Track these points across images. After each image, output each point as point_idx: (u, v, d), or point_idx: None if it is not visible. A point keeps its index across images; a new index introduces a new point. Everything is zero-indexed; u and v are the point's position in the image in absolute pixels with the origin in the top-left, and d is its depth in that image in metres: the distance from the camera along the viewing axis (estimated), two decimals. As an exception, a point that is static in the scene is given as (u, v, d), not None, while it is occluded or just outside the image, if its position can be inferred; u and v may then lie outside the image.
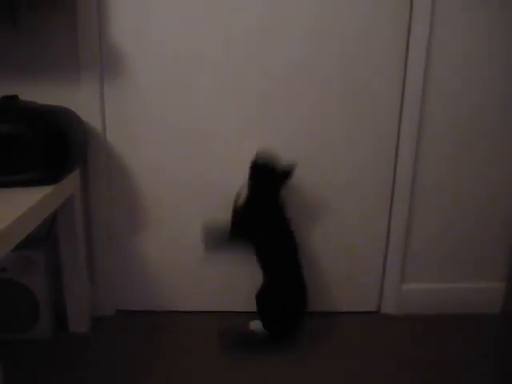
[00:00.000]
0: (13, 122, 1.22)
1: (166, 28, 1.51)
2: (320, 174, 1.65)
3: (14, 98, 1.35)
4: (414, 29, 1.53)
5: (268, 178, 1.49)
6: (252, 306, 1.53)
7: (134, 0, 1.48)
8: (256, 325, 1.58)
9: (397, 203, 1.68)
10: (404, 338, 1.64)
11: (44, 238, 1.61)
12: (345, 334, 1.64)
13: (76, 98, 1.53)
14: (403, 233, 1.71)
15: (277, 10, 1.51)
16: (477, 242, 1.76)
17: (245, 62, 1.55)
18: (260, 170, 1.49)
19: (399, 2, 1.52)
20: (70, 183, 1.43)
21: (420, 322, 1.74)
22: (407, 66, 1.56)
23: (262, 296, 1.52)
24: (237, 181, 1.60)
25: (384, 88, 1.59)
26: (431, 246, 1.75)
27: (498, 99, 1.62)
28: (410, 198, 1.68)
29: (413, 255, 1.75)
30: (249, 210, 1.51)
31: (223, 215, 1.62)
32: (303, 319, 1.60)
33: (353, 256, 1.74)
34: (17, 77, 1.52)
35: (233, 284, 1.72)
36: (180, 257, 1.71)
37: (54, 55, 1.51)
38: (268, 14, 1.51)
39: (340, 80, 1.57)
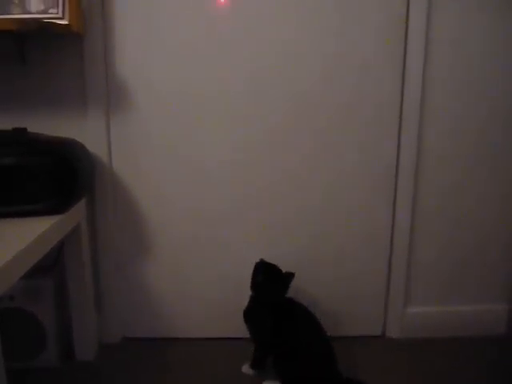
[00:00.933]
0: (22, 154, 1.26)
1: (170, 64, 1.56)
2: (321, 201, 1.68)
3: (23, 130, 1.39)
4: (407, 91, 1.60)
5: (272, 278, 1.51)
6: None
7: (139, 36, 1.54)
8: None
9: (398, 228, 1.70)
10: (409, 362, 1.64)
11: (51, 266, 1.63)
12: (350, 359, 1.64)
13: (83, 129, 1.58)
14: (406, 256, 1.72)
15: (275, 54, 1.57)
16: (479, 264, 1.77)
17: (244, 101, 1.60)
18: (267, 270, 1.53)
19: (393, 49, 1.58)
20: (77, 212, 1.46)
21: (425, 345, 1.73)
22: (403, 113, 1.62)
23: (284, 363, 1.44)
24: (235, 210, 1.67)
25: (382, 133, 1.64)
26: (434, 269, 1.76)
27: (500, 133, 1.67)
28: (411, 222, 1.70)
29: (416, 279, 1.76)
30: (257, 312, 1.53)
31: (224, 243, 1.66)
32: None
33: (356, 281, 1.75)
34: (26, 110, 1.57)
35: (237, 310, 1.73)
36: (184, 284, 1.73)
37: (62, 89, 1.56)
38: (267, 54, 1.57)
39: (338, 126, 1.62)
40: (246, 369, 1.55)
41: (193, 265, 1.72)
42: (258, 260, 1.56)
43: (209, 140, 1.63)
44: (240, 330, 1.71)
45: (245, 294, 1.62)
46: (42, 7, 1.45)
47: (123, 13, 1.53)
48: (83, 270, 1.56)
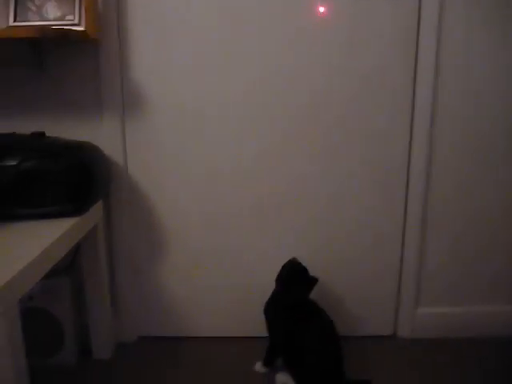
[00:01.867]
0: (41, 158, 1.29)
1: (184, 71, 1.59)
2: (334, 205, 1.71)
3: (42, 134, 1.43)
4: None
5: (297, 277, 1.52)
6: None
7: (154, 44, 1.56)
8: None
9: (409, 228, 1.71)
10: (420, 362, 1.65)
11: (68, 266, 1.67)
12: (362, 358, 1.66)
13: (99, 133, 1.61)
14: (417, 257, 1.73)
15: (283, 67, 1.59)
16: (490, 265, 1.77)
17: (258, 112, 1.63)
18: (294, 268, 1.54)
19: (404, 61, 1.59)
20: (94, 215, 1.49)
21: (435, 345, 1.75)
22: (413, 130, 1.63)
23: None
24: (248, 217, 1.70)
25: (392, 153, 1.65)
26: (445, 269, 1.77)
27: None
28: (422, 223, 1.71)
29: (427, 279, 1.77)
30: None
31: (237, 249, 1.69)
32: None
33: (368, 281, 1.77)
34: (44, 114, 1.60)
35: (249, 311, 1.77)
36: (197, 286, 1.76)
37: (78, 93, 1.59)
38: (279, 69, 1.59)
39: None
40: (258, 367, 1.58)
41: (206, 268, 1.74)
42: (290, 258, 1.58)
43: (223, 148, 1.65)
44: (252, 329, 1.74)
45: (255, 298, 1.68)
46: (58, 14, 1.49)
47: (139, 20, 1.55)
48: (100, 271, 1.59)
